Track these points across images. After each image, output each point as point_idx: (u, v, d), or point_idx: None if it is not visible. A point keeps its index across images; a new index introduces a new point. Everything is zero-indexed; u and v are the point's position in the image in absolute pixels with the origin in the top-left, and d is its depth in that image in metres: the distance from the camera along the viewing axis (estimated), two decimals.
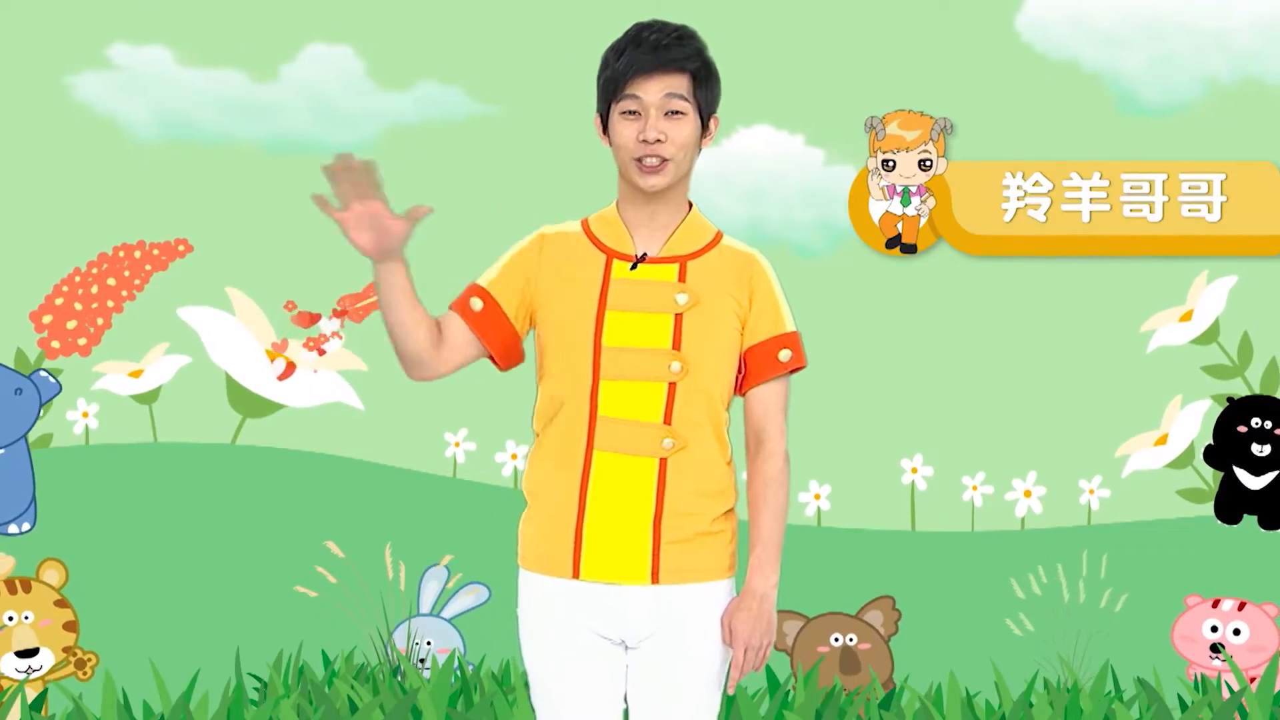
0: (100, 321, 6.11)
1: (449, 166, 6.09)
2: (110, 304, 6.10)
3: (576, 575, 3.26)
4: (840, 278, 6.06)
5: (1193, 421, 6.09)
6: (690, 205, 3.39)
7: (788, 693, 5.94)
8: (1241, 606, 6.03)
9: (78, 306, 6.10)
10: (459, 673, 5.99)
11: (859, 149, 6.11)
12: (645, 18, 3.34)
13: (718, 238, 3.38)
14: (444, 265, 6.07)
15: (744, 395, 3.38)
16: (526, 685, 5.81)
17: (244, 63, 6.14)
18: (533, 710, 5.61)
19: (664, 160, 3.27)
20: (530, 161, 6.05)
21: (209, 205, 6.11)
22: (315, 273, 6.08)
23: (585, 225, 3.38)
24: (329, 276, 6.07)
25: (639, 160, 3.27)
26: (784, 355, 3.35)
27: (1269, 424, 6.07)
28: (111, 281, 6.10)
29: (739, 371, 3.35)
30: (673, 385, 3.26)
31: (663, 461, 3.26)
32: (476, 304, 3.35)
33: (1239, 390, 6.09)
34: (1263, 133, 6.06)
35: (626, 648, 3.30)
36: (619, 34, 3.32)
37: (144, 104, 6.13)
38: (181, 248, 6.13)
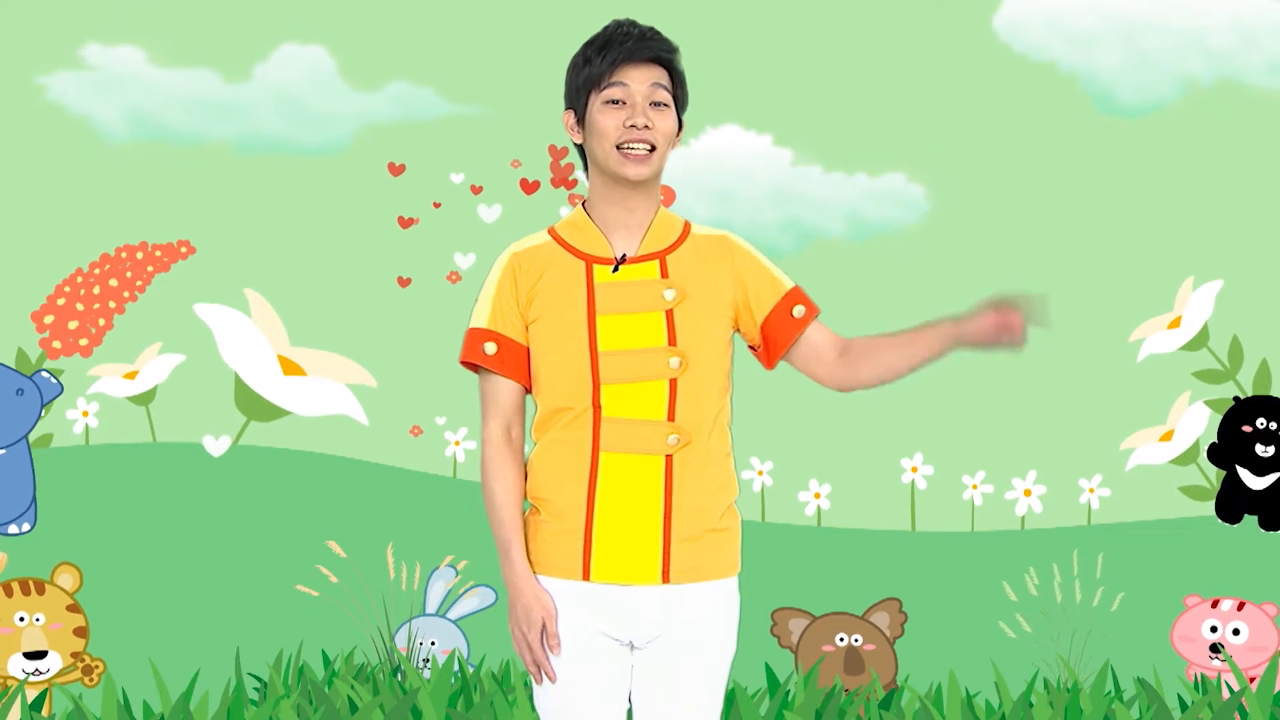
0: (102, 322, 6.11)
1: (421, 167, 6.11)
2: (112, 304, 6.11)
3: (586, 577, 3.26)
4: (810, 277, 6.04)
5: (1199, 418, 6.08)
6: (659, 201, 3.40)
7: (788, 692, 5.94)
8: (1241, 606, 6.02)
9: (79, 307, 6.10)
10: (459, 673, 5.99)
11: (827, 149, 6.10)
12: (615, 18, 3.34)
13: (687, 228, 3.38)
14: (420, 264, 6.12)
15: (784, 359, 3.40)
16: (527, 685, 5.81)
17: (217, 63, 6.15)
18: (534, 710, 5.62)
19: (652, 148, 3.26)
20: (504, 162, 6.06)
21: (182, 205, 6.11)
22: (290, 272, 6.11)
23: (553, 234, 3.36)
24: (304, 275, 6.11)
25: (623, 147, 3.26)
26: (798, 311, 3.38)
27: (1274, 425, 6.06)
28: (114, 282, 6.11)
29: (765, 345, 3.36)
30: (674, 381, 3.26)
31: (669, 458, 3.25)
32: (490, 348, 3.32)
33: (1232, 394, 6.07)
34: (1242, 133, 6.06)
35: (633, 648, 3.30)
36: (590, 33, 3.32)
37: (117, 104, 6.14)
38: (184, 249, 6.14)
